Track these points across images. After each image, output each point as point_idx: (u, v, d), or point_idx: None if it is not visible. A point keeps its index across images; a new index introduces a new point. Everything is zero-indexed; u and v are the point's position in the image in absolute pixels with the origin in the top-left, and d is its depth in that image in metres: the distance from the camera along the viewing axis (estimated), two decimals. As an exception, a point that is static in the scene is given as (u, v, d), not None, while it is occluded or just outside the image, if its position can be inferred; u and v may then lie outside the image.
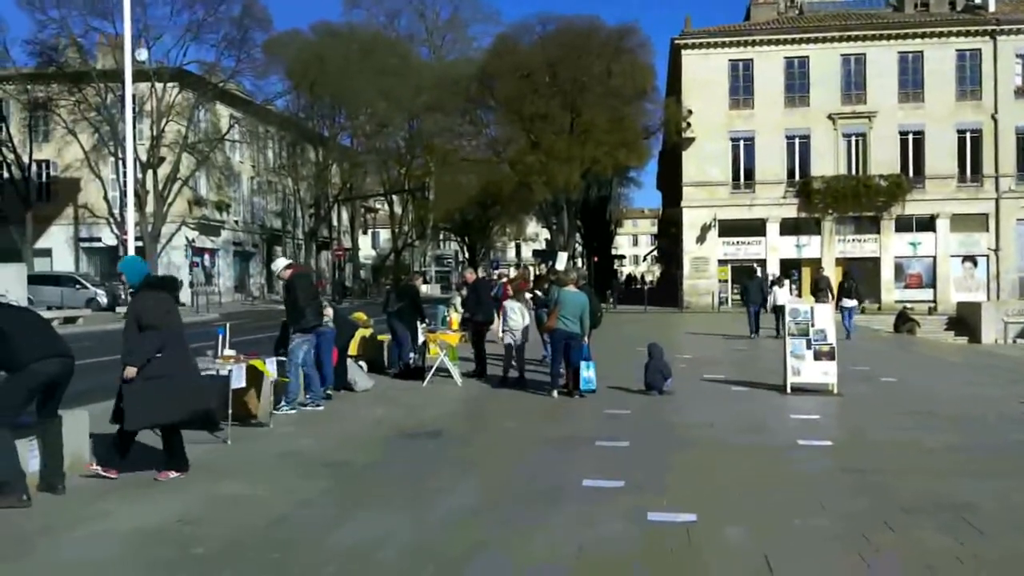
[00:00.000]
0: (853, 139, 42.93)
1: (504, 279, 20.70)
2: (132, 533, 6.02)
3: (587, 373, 12.36)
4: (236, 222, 54.75)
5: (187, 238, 47.45)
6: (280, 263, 11.66)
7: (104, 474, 7.29)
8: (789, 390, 12.70)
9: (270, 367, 10.20)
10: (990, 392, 13.48)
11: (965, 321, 35.62)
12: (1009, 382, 14.83)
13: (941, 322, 36.62)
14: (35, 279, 35.48)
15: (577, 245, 62.69)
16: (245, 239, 55.99)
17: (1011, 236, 41.95)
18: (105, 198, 43.87)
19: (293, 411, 10.79)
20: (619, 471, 7.78)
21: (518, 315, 13.91)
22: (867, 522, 6.18)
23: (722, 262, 43.54)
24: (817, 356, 12.81)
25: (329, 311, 12.32)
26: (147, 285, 7.63)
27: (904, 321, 31.87)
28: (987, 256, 42.20)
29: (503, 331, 13.98)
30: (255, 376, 9.99)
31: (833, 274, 36.22)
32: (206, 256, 50.84)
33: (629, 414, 11.13)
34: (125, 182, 37.07)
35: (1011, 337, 33.94)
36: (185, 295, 44.53)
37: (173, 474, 7.46)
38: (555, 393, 12.43)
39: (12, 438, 6.58)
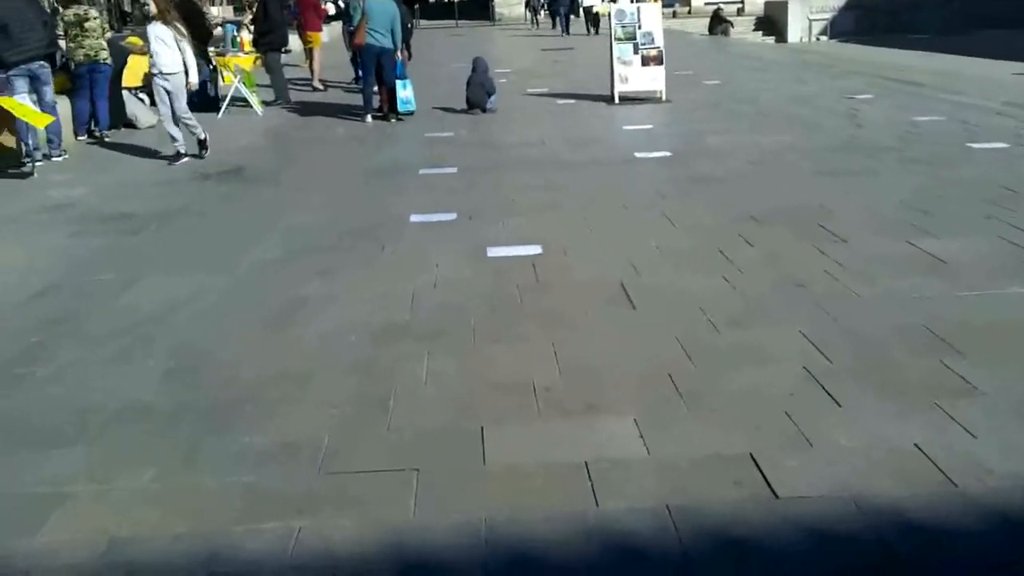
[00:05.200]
0: None
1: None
2: None
3: (404, 93, 11.22)
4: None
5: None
6: None
7: None
8: (617, 100, 12.03)
9: (24, 103, 8.55)
10: (812, 89, 13.24)
11: (773, 20, 35.70)
12: (828, 78, 14.71)
13: (750, 22, 36.59)
14: None
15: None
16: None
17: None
18: None
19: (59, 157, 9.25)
20: (449, 202, 6.98)
21: (170, 48, 8.72)
22: (722, 237, 5.68)
23: (534, -31, 41.37)
24: (645, 61, 12.09)
25: (102, 42, 10.30)
26: None
27: (719, 22, 31.53)
28: (795, -47, 41.94)
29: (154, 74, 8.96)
30: (6, 118, 8.36)
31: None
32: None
33: (453, 136, 10.21)
34: None
35: (815, 35, 34.46)
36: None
37: None
38: (369, 118, 11.26)
39: None
